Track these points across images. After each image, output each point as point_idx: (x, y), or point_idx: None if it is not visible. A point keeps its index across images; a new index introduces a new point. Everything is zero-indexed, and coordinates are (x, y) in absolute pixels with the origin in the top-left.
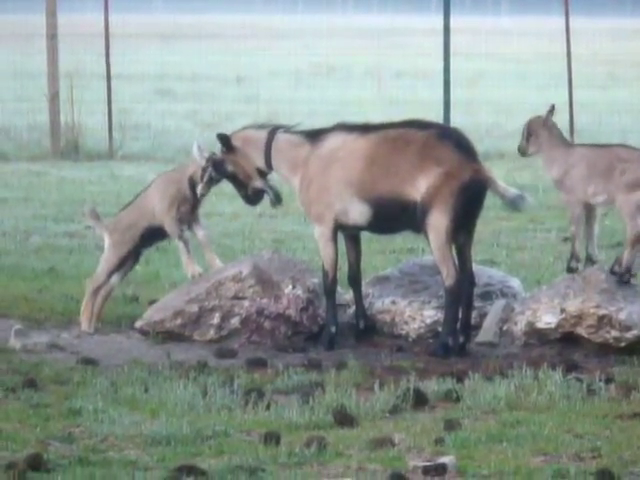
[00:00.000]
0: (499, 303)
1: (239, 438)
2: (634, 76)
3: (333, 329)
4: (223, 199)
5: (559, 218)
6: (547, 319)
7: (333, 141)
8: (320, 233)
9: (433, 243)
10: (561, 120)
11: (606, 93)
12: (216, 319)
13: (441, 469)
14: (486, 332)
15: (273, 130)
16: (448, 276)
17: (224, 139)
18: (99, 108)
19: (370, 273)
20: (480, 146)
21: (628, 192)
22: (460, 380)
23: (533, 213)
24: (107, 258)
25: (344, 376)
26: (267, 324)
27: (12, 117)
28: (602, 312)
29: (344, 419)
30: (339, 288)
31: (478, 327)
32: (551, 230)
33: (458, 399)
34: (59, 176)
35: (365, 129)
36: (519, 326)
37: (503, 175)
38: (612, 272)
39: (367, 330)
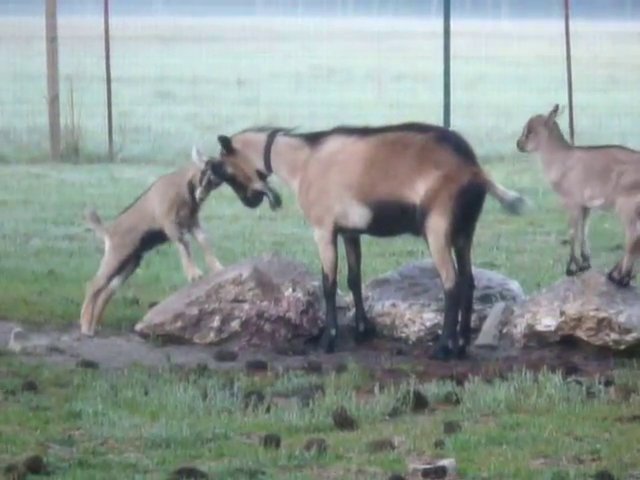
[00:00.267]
0: (499, 306)
1: (239, 441)
2: (634, 79)
3: (333, 332)
4: (223, 202)
5: (558, 221)
6: (547, 322)
7: (332, 144)
8: (320, 236)
9: (432, 246)
10: (561, 123)
11: (606, 96)
12: (216, 322)
13: (441, 472)
14: (486, 335)
15: (273, 133)
16: (447, 279)
17: (225, 141)
18: (99, 111)
19: (370, 276)
20: (480, 149)
21: (626, 195)
22: (460, 383)
23: (533, 216)
24: (107, 261)
25: (344, 379)
26: (267, 327)
27: (12, 119)
28: (602, 315)
29: (344, 422)
30: (339, 291)
31: (478, 330)
32: (551, 233)
33: (458, 402)
34: (59, 179)
35: (364, 132)
36: (519, 329)
37: (503, 178)
38: (610, 278)
39: (367, 333)
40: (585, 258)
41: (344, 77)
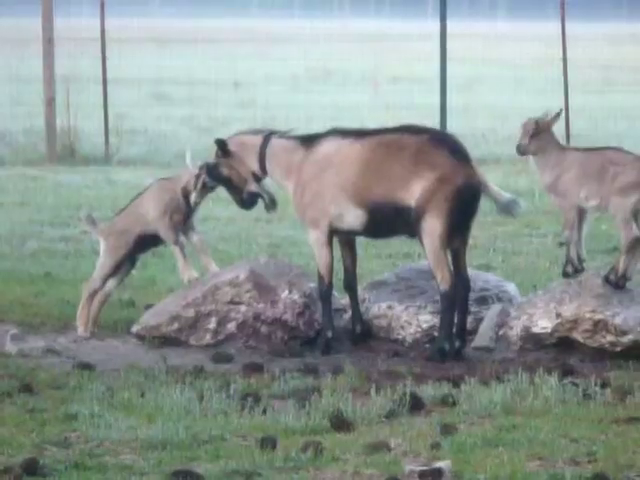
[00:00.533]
0: (495, 308)
1: (235, 443)
2: (630, 81)
3: (329, 334)
4: (219, 204)
5: (555, 223)
6: (543, 324)
7: (327, 146)
8: (315, 238)
9: (428, 248)
10: (557, 125)
11: (602, 98)
12: (212, 324)
13: (437, 474)
14: (482, 337)
15: (268, 135)
16: (443, 281)
17: (221, 144)
18: (95, 112)
19: (366, 278)
20: (476, 151)
21: (621, 196)
22: (456, 385)
23: (529, 218)
24: (103, 262)
25: (340, 381)
26: (263, 329)
27: (8, 121)
28: (598, 317)
29: (340, 424)
30: (335, 293)
31: (474, 332)
32: (547, 235)
33: (454, 404)
34: (55, 181)
35: (359, 134)
36: (515, 331)
37: (499, 180)
38: (607, 280)
39: (363, 335)
40: (579, 260)
41: (340, 79)
